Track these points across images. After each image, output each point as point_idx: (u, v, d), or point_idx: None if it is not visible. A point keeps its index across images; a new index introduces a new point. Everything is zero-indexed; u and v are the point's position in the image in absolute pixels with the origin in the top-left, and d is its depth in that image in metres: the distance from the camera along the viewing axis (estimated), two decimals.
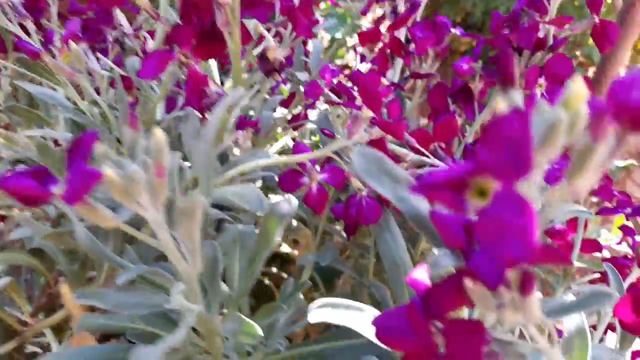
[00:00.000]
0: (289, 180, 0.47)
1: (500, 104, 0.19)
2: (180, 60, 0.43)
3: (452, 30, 0.64)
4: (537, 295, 0.18)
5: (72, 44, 0.46)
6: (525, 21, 0.54)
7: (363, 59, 0.73)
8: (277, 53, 0.50)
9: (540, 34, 0.54)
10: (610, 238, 0.96)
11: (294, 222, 0.66)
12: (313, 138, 0.83)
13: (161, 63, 0.43)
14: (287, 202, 0.34)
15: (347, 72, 0.85)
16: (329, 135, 0.49)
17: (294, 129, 0.69)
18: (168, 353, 0.33)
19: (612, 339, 0.47)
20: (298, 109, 0.70)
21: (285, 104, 0.70)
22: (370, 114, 0.37)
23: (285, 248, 0.78)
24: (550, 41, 0.55)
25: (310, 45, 0.73)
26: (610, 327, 0.46)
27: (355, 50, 1.14)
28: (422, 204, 0.24)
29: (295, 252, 0.77)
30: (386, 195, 0.24)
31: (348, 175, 0.47)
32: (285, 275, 0.74)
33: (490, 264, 0.16)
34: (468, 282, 0.17)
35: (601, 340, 0.45)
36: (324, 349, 0.38)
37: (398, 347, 0.22)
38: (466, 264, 0.18)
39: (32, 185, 0.24)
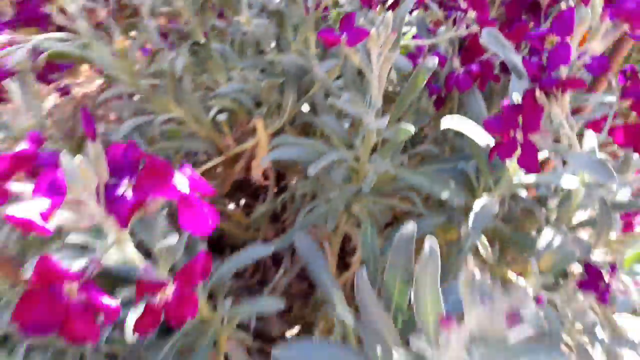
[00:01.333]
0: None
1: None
2: None
3: None
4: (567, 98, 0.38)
5: None
6: None
7: None
8: None
9: None
10: None
11: None
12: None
13: None
14: (431, 60, 0.52)
15: None
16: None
17: None
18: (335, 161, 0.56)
19: None
20: None
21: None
22: (474, 14, 0.56)
23: None
24: None
25: None
26: None
27: None
28: (517, 58, 0.43)
29: None
30: (501, 54, 0.44)
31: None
32: None
33: (551, 81, 0.37)
34: (539, 94, 0.38)
35: None
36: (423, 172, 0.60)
37: (497, 134, 0.43)
38: (539, 84, 0.38)
39: None
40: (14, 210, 0.27)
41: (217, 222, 0.34)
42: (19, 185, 0.32)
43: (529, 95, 0.39)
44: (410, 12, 0.84)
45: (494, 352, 0.29)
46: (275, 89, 0.63)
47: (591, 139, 0.49)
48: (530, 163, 0.39)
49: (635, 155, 0.53)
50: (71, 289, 0.29)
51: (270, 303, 0.50)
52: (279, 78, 0.61)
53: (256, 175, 0.68)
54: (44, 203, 0.28)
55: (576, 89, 0.38)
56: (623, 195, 0.53)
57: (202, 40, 0.70)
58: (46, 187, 0.30)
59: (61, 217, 0.30)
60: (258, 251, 0.52)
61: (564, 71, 0.37)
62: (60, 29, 0.56)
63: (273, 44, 0.63)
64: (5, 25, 0.53)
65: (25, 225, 0.27)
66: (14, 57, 0.47)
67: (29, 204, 0.28)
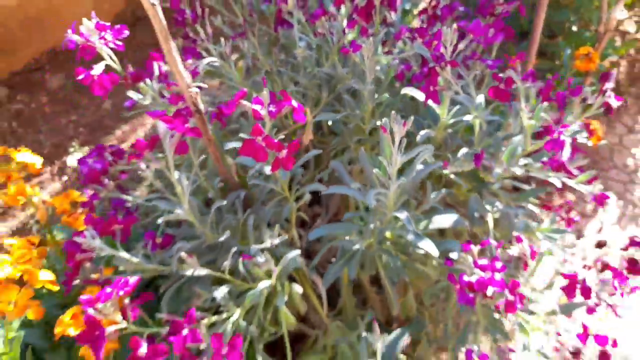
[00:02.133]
0: None
1: None
2: None
3: None
4: None
5: None
6: None
7: None
8: None
9: None
10: None
11: None
12: None
13: None
14: (397, 65, 1.03)
15: None
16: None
17: None
18: None
19: None
20: None
21: None
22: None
23: None
24: None
25: None
26: None
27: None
28: (428, 53, 0.92)
29: None
30: (424, 54, 0.92)
31: None
32: None
33: (439, 61, 0.85)
34: (437, 68, 0.86)
35: None
36: None
37: (424, 91, 0.91)
38: (436, 63, 0.86)
39: None
40: None
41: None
42: None
43: (433, 69, 0.87)
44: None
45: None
46: (316, 88, 1.13)
47: (480, 97, 0.97)
48: (435, 99, 0.87)
49: None
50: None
51: (318, 186, 0.96)
52: (317, 82, 1.12)
53: (306, 141, 1.17)
54: None
55: (455, 66, 0.86)
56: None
57: (269, 69, 1.22)
58: None
59: None
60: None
61: (447, 56, 0.85)
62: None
63: (314, 64, 1.14)
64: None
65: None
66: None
67: None
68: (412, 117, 0.76)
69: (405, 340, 0.87)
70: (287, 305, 0.86)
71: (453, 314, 0.95)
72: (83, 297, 0.67)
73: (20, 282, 0.72)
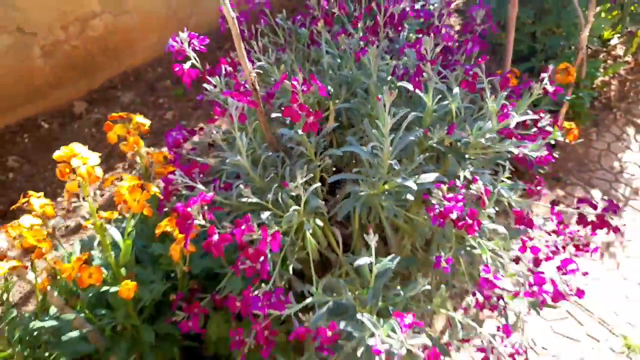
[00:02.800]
0: None
1: None
2: None
3: None
4: None
5: None
6: None
7: None
8: None
9: None
10: None
11: None
12: None
13: None
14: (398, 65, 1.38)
15: None
16: None
17: None
18: None
19: None
20: None
21: None
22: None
23: None
24: None
25: None
26: None
27: None
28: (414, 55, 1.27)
29: None
30: (412, 58, 1.27)
31: None
32: None
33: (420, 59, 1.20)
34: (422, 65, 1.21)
35: None
36: None
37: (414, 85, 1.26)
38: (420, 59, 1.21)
39: None
40: None
41: None
42: None
43: (418, 65, 1.23)
44: None
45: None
46: (337, 88, 1.50)
47: (457, 89, 1.31)
48: (420, 88, 1.22)
49: None
50: None
51: (335, 151, 1.31)
52: (338, 82, 1.49)
53: (330, 124, 1.53)
54: None
55: (434, 64, 1.21)
56: None
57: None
58: None
59: None
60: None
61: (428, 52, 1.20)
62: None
63: (336, 69, 1.51)
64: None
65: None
66: None
67: None
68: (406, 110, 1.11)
69: (396, 262, 1.19)
70: (312, 236, 1.20)
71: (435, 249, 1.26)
72: (178, 204, 1.04)
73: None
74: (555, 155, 1.54)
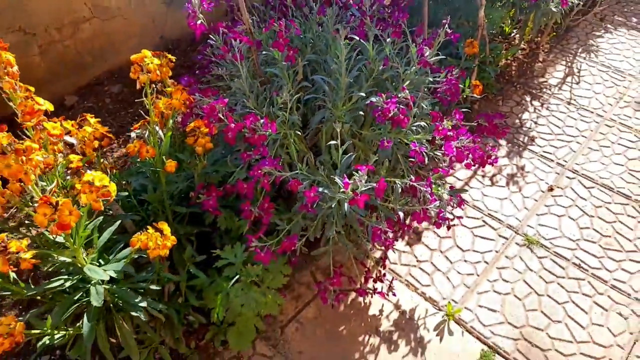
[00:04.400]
0: None
1: None
2: None
3: None
4: None
5: None
6: None
7: None
8: None
9: None
10: None
11: None
12: None
13: None
14: None
15: None
16: None
17: None
18: None
19: None
20: None
21: None
22: None
23: None
24: None
25: None
26: None
27: None
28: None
29: None
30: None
31: None
32: None
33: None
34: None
35: None
36: None
37: None
38: None
39: None
40: None
41: None
42: None
43: (361, 19, 1.77)
44: None
45: None
46: (305, 48, 2.03)
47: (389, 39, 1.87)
48: (363, 37, 1.76)
49: None
50: None
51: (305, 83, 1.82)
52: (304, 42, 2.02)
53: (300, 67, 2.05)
54: None
55: (372, 18, 1.75)
56: None
57: None
58: None
59: None
60: None
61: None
62: None
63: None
64: None
65: None
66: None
67: None
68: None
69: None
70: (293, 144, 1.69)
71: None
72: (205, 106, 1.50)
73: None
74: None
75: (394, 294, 1.93)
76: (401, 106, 1.64)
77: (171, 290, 1.63)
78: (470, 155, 1.71)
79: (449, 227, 1.80)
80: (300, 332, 1.85)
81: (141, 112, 2.94)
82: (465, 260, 2.13)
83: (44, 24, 2.86)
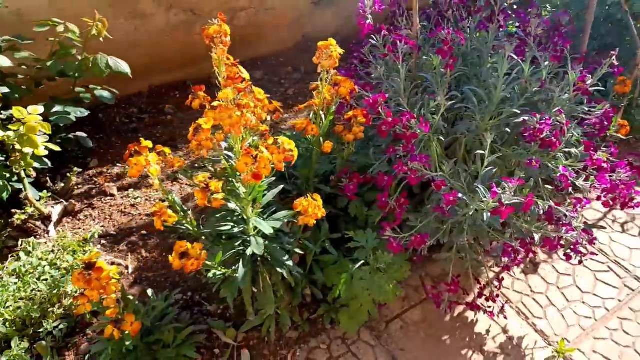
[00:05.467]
0: None
1: None
2: None
3: None
4: None
5: None
6: None
7: None
8: None
9: None
10: None
11: None
12: None
13: None
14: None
15: None
16: None
17: None
18: None
19: None
20: None
21: None
22: None
23: None
24: None
25: None
26: None
27: None
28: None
29: None
30: None
31: None
32: None
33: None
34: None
35: None
36: None
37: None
38: None
39: None
40: None
41: None
42: None
43: (522, 41, 1.78)
44: None
45: None
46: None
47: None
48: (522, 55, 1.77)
49: None
50: None
51: (455, 92, 1.87)
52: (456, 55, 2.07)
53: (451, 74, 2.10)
54: None
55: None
56: None
57: None
58: None
59: None
60: None
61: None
62: None
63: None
64: None
65: None
66: None
67: None
68: None
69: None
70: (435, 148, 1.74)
71: None
72: (366, 99, 1.61)
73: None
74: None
75: (505, 317, 1.90)
76: (554, 129, 1.63)
77: (296, 261, 1.75)
78: (619, 193, 1.65)
79: (580, 262, 1.74)
80: (404, 331, 1.89)
81: (283, 97, 3.18)
82: (584, 302, 2.04)
83: (209, 8, 3.19)
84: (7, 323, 1.70)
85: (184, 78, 3.32)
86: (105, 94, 2.40)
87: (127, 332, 1.33)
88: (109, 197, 2.44)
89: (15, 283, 1.81)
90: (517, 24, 1.94)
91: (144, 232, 2.27)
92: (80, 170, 2.54)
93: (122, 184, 2.54)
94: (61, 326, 1.75)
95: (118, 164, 2.65)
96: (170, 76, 3.26)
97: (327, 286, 1.77)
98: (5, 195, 1.90)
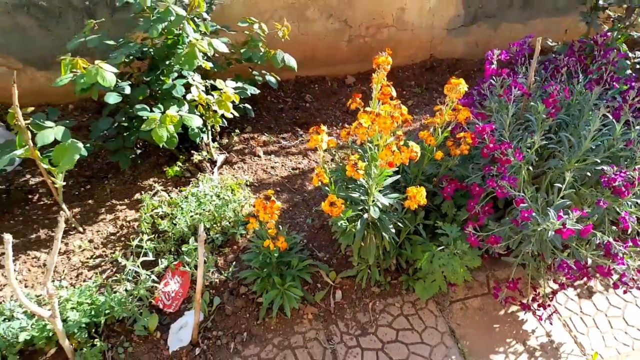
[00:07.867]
0: None
1: None
2: None
3: None
4: None
5: None
6: None
7: None
8: None
9: None
10: None
11: None
12: None
13: None
14: None
15: None
16: None
17: None
18: None
19: None
20: None
21: None
22: None
23: None
24: None
25: None
26: None
27: None
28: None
29: None
30: None
31: None
32: None
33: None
34: None
35: None
36: None
37: None
38: None
39: None
40: None
41: None
42: None
43: (620, 106, 2.15)
44: None
45: None
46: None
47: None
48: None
49: None
50: None
51: (551, 136, 2.29)
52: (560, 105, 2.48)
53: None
54: None
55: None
56: None
57: None
58: None
59: None
60: None
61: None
62: None
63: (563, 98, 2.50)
64: None
65: None
66: None
67: None
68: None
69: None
70: (523, 175, 2.20)
71: None
72: (477, 126, 2.11)
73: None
74: None
75: (551, 323, 2.31)
76: (626, 181, 2.01)
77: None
78: None
79: (625, 292, 2.10)
80: (463, 312, 2.38)
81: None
82: (626, 332, 2.37)
83: (359, 21, 3.82)
84: (188, 227, 2.47)
85: (324, 74, 3.99)
86: (272, 79, 3.13)
87: (276, 248, 1.99)
88: (256, 157, 3.18)
89: (195, 201, 2.58)
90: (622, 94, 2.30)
91: (278, 188, 2.97)
92: (238, 132, 3.31)
93: (267, 149, 3.27)
94: (220, 238, 2.49)
95: (265, 134, 3.39)
96: (313, 71, 3.95)
97: (410, 262, 2.31)
98: (198, 140, 2.67)
